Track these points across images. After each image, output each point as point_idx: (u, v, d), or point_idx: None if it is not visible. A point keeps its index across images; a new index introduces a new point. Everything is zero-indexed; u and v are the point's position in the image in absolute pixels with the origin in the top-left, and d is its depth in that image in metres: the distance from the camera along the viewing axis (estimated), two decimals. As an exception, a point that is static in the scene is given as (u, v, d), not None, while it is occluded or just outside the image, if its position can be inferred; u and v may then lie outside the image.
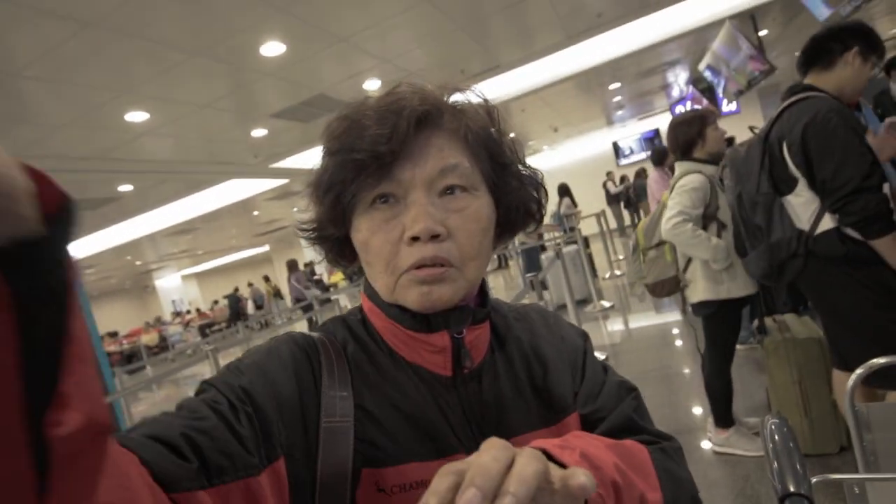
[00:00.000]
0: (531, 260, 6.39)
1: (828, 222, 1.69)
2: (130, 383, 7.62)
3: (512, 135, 0.60)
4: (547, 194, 0.62)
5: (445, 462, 0.49)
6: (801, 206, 1.74)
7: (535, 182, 0.60)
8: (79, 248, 9.24)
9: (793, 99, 1.75)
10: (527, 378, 0.59)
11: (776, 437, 0.64)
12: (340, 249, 0.59)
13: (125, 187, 6.20)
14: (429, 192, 0.51)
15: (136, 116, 4.27)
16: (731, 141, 4.84)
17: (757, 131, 1.91)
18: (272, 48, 3.73)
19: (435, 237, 0.50)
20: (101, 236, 8.88)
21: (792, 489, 0.56)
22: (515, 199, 0.58)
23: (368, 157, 0.50)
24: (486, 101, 0.57)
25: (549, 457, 0.40)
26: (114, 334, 15.52)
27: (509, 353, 0.60)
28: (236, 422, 0.44)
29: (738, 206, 1.95)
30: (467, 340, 0.55)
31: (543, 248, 6.42)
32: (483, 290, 0.60)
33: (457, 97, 0.56)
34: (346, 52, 4.13)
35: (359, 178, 0.51)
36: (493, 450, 0.32)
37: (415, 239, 0.50)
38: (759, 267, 1.89)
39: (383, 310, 0.56)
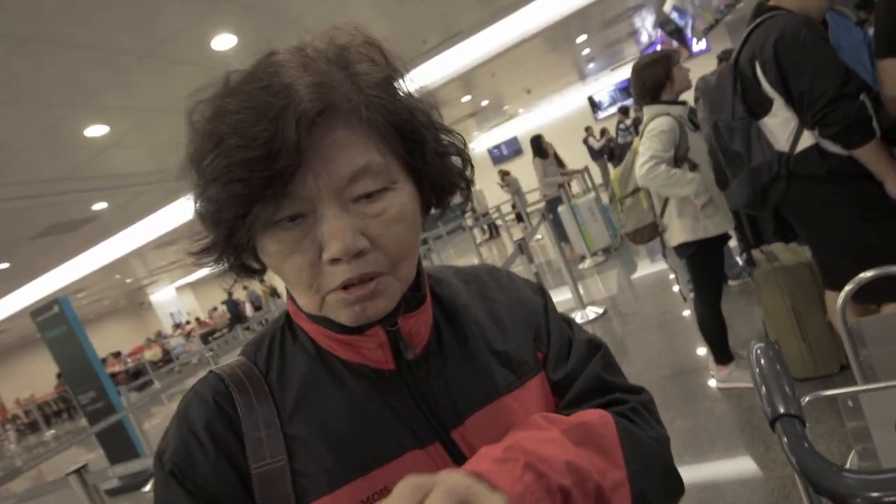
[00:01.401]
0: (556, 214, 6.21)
1: (807, 140, 1.66)
2: (139, 399, 7.64)
3: (420, 83, 0.50)
4: (471, 163, 0.54)
5: (393, 467, 0.47)
6: (779, 126, 1.70)
7: (456, 149, 0.53)
8: (65, 273, 9.14)
9: (759, 19, 1.70)
10: (484, 345, 0.55)
11: (762, 361, 0.61)
12: (245, 266, 0.51)
13: (100, 205, 6.08)
14: (340, 201, 0.43)
15: (96, 130, 4.14)
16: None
17: (722, 55, 1.87)
18: (223, 41, 3.60)
19: (358, 254, 0.43)
20: (86, 258, 8.75)
21: (782, 410, 0.53)
22: (439, 175, 0.50)
23: (257, 187, 0.41)
24: (387, 58, 0.47)
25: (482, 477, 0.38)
26: (117, 354, 15.51)
27: (459, 325, 0.56)
28: None
29: (714, 135, 1.92)
30: (404, 331, 0.51)
31: (559, 201, 6.21)
32: (418, 272, 0.53)
33: (352, 65, 0.45)
34: (300, 35, 4.00)
35: (253, 209, 0.42)
36: (405, 491, 0.33)
37: (336, 259, 0.43)
38: (742, 195, 1.86)
39: (308, 315, 0.51)
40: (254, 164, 0.40)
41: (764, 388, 0.58)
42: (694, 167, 2.21)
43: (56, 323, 5.05)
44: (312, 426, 0.48)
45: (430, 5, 4.55)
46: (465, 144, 0.53)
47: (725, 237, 2.30)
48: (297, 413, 0.49)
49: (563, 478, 0.42)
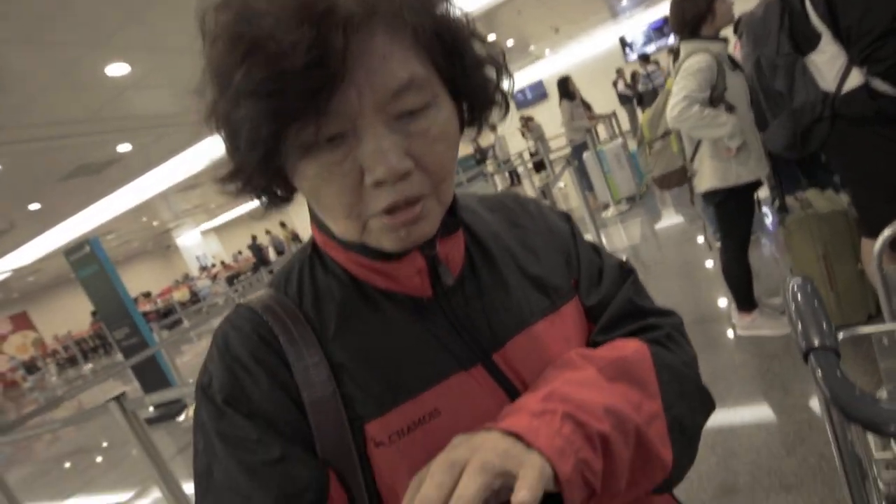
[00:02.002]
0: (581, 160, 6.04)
1: (855, 79, 1.56)
2: (170, 336, 7.99)
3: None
4: (510, 74, 0.50)
5: (439, 389, 0.47)
6: (826, 63, 1.60)
7: (494, 61, 0.48)
8: (94, 215, 9.38)
9: None
10: (517, 271, 0.54)
11: (798, 295, 0.60)
12: (273, 193, 0.48)
13: (124, 147, 6.12)
14: (383, 119, 0.40)
15: (118, 69, 4.11)
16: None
17: None
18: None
19: (403, 175, 0.40)
20: (112, 201, 8.93)
21: (817, 343, 0.52)
22: (478, 89, 0.47)
23: (300, 100, 0.36)
24: None
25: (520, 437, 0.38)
26: (147, 294, 16.14)
27: (489, 252, 0.55)
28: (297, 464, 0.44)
29: (756, 73, 1.81)
30: (442, 255, 0.50)
31: (585, 147, 6.05)
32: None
33: None
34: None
35: (291, 127, 0.38)
36: (437, 475, 0.34)
37: (380, 182, 0.40)
38: (782, 137, 1.78)
39: (341, 243, 0.49)
40: (294, 75, 0.35)
41: (799, 322, 0.56)
42: (730, 109, 2.10)
43: (88, 262, 5.23)
44: (354, 353, 0.48)
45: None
46: (503, 55, 0.49)
47: (756, 184, 2.22)
48: (337, 341, 0.48)
49: (602, 423, 0.42)
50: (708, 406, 0.55)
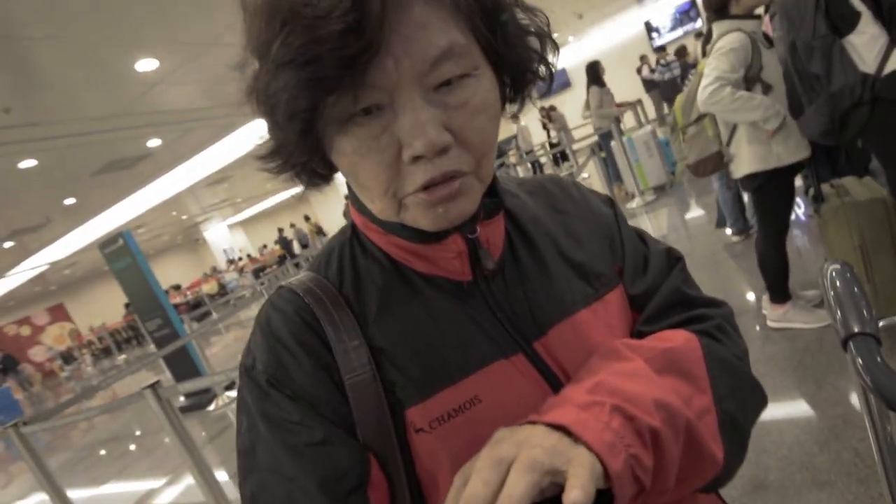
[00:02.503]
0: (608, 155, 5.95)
1: None
2: (199, 328, 8.19)
3: None
4: (555, 45, 0.49)
5: (480, 376, 0.46)
6: (865, 45, 1.54)
7: (539, 30, 0.47)
8: (126, 210, 9.64)
9: None
10: (558, 257, 0.53)
11: (837, 281, 0.58)
12: (314, 171, 0.48)
13: (154, 142, 6.27)
14: (421, 89, 0.39)
15: (147, 65, 4.20)
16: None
17: None
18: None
19: (441, 150, 0.39)
20: (144, 195, 9.17)
21: (856, 329, 0.50)
22: (520, 61, 0.45)
23: (335, 68, 0.36)
24: None
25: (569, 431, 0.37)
26: (177, 287, 16.57)
27: (530, 236, 0.53)
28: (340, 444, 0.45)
29: (791, 56, 1.75)
30: (483, 238, 0.49)
31: (611, 136, 5.90)
32: (493, 176, 0.51)
33: None
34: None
35: (329, 98, 0.38)
36: (483, 471, 0.33)
37: (417, 157, 0.39)
38: (819, 123, 1.72)
39: (380, 224, 0.49)
40: (331, 42, 0.35)
41: (838, 309, 0.54)
42: (767, 88, 2.03)
43: (122, 255, 5.38)
44: (394, 337, 0.47)
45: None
46: (548, 24, 0.47)
47: (798, 167, 2.14)
48: (377, 324, 0.48)
49: (653, 417, 0.40)
50: (760, 401, 0.53)
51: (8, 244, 8.73)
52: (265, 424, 0.45)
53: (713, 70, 2.01)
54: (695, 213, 4.86)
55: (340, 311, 0.48)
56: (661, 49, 9.30)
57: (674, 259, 0.58)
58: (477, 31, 0.41)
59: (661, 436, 0.40)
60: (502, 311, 0.49)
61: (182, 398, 5.29)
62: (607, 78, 6.45)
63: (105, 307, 18.31)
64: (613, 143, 5.76)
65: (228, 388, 5.14)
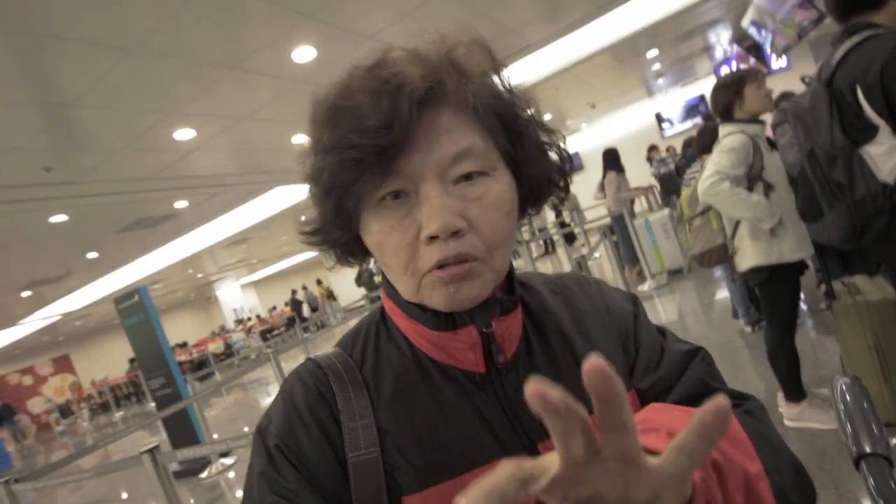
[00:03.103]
0: (624, 236, 5.99)
1: None
2: (202, 389, 8.06)
3: (513, 80, 0.52)
4: (570, 158, 0.55)
5: (481, 473, 0.47)
6: (882, 156, 1.58)
7: (556, 146, 0.54)
8: (145, 265, 9.83)
9: (856, 40, 1.58)
10: (571, 358, 0.54)
11: (847, 396, 0.59)
12: (349, 249, 0.54)
13: (181, 203, 6.51)
14: (442, 182, 0.45)
15: (184, 134, 4.46)
16: (787, 96, 4.56)
17: (808, 81, 1.77)
18: (303, 53, 3.80)
19: (455, 233, 0.45)
20: (164, 252, 9.37)
21: (868, 450, 0.51)
22: (537, 170, 0.51)
23: (369, 154, 0.44)
24: (491, 55, 0.50)
25: None
26: (183, 345, 16.49)
27: (548, 336, 0.55)
28: None
29: (810, 163, 1.77)
30: (497, 333, 0.51)
31: (622, 218, 5.99)
32: (510, 275, 0.55)
33: (459, 59, 0.48)
34: (373, 50, 4.15)
35: (361, 179, 0.45)
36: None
37: (433, 238, 0.45)
38: (841, 229, 1.72)
39: (404, 309, 0.53)
40: (367, 134, 0.43)
41: (849, 426, 0.56)
42: (769, 188, 2.12)
43: (135, 311, 5.44)
44: (402, 422, 0.49)
45: (499, 23, 4.61)
46: (564, 142, 0.55)
47: (803, 264, 2.18)
48: (389, 408, 0.50)
49: (714, 452, 0.38)
50: (810, 491, 0.48)
51: (26, 293, 8.86)
52: (260, 486, 0.47)
53: (714, 165, 2.12)
54: (707, 299, 4.84)
55: (357, 390, 0.51)
56: (652, 148, 9.64)
57: (692, 351, 0.57)
58: (497, 141, 0.49)
59: (723, 471, 0.38)
60: (511, 408, 0.50)
61: (176, 463, 5.13)
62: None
63: (110, 361, 18.17)
64: (638, 223, 5.84)
65: (223, 455, 4.99)
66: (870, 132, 1.58)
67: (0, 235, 5.43)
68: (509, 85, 0.51)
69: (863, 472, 0.52)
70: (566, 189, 0.56)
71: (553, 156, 0.54)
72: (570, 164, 0.55)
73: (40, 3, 2.39)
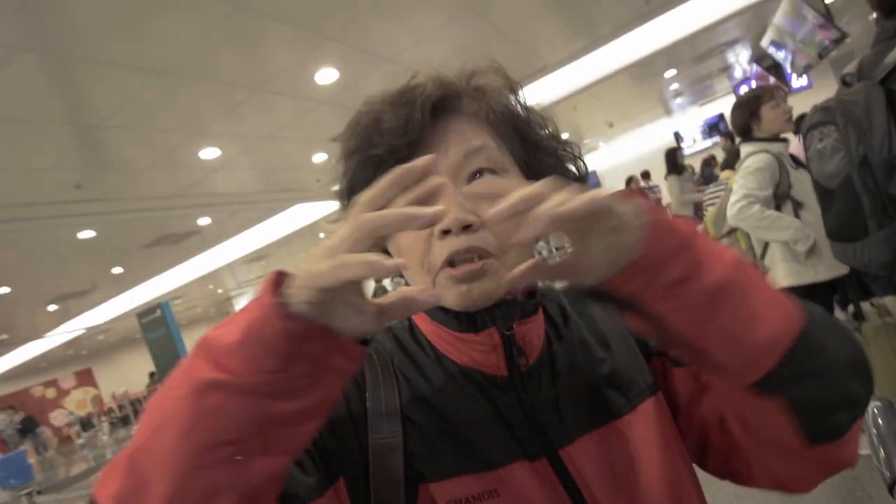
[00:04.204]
0: None
1: None
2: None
3: (532, 101, 0.56)
4: (586, 168, 0.58)
5: (502, 472, 0.47)
6: None
7: (572, 157, 0.56)
8: (167, 281, 10.00)
9: None
10: (592, 364, 0.54)
11: (879, 420, 0.58)
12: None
13: (204, 220, 6.64)
14: (455, 180, 0.48)
15: (209, 153, 4.58)
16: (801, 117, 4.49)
17: (849, 79, 1.61)
18: (326, 75, 3.89)
19: (467, 227, 0.46)
20: (185, 268, 9.54)
21: (902, 475, 0.50)
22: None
23: (385, 153, 0.49)
24: (507, 77, 0.55)
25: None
26: (202, 359, 16.61)
27: (568, 343, 0.56)
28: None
29: (860, 173, 1.53)
30: (518, 336, 0.52)
31: None
32: None
33: (477, 79, 0.54)
34: (393, 71, 4.22)
35: (378, 176, 0.46)
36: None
37: (446, 232, 0.46)
38: (888, 251, 1.51)
39: (427, 313, 0.55)
40: (386, 136, 0.49)
41: (882, 450, 0.55)
42: (798, 205, 2.08)
43: (158, 325, 5.54)
44: (427, 415, 0.50)
45: (518, 43, 4.67)
46: (579, 154, 0.57)
47: (836, 284, 2.13)
48: (414, 400, 0.51)
49: (727, 275, 0.39)
50: (850, 341, 0.44)
51: (52, 307, 9.07)
52: None
53: (741, 188, 2.09)
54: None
55: (387, 379, 0.52)
56: (645, 175, 9.44)
57: None
58: (512, 149, 0.52)
59: (727, 294, 0.38)
60: (532, 412, 0.50)
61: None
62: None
63: (130, 374, 18.40)
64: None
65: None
66: None
67: (31, 250, 5.59)
68: (525, 102, 0.55)
69: (897, 498, 0.50)
70: None
71: (571, 167, 0.56)
72: (587, 173, 0.58)
73: (77, 27, 2.50)
